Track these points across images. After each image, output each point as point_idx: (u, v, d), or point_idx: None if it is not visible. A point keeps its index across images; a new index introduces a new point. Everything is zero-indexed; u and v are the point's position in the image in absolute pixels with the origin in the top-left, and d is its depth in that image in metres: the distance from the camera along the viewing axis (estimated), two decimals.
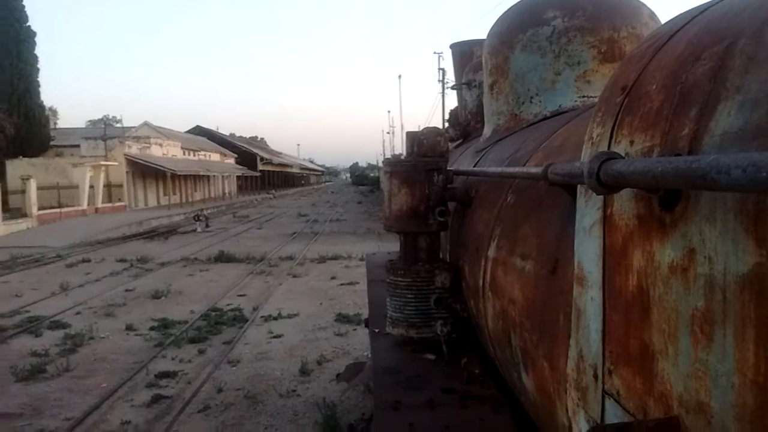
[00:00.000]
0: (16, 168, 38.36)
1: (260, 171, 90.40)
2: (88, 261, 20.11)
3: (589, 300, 1.47)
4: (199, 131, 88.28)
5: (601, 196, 1.40)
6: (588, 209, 1.52)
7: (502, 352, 2.49)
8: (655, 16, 3.21)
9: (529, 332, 2.04)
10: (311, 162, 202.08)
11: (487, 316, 2.68)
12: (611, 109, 1.49)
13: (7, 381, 8.30)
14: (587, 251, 1.50)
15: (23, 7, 45.08)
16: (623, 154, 1.28)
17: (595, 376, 1.42)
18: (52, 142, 48.30)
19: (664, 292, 1.12)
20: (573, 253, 1.60)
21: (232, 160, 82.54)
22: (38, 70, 46.37)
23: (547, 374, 1.83)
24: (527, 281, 2.10)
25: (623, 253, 1.29)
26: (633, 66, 1.51)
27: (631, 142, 1.32)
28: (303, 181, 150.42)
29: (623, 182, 1.12)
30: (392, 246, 6.99)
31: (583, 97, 3.13)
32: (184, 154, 61.82)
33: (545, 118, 3.25)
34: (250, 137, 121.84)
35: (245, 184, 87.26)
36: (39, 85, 46.39)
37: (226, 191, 74.33)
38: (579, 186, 1.59)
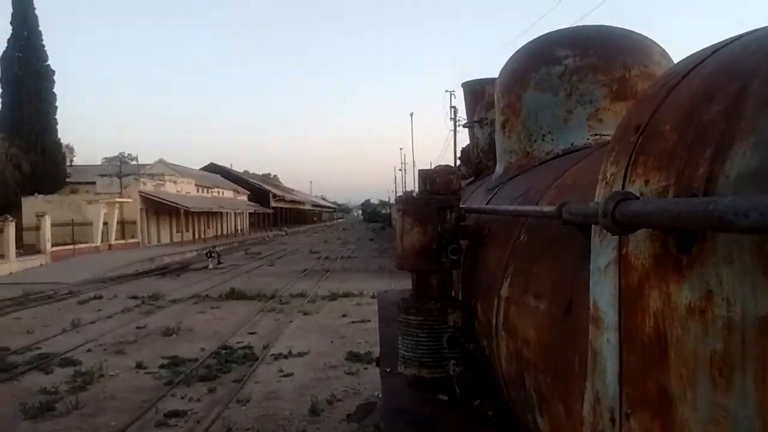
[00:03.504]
0: (31, 205, 38.82)
1: (273, 208, 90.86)
2: (100, 298, 20.16)
3: (605, 341, 1.44)
4: (213, 168, 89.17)
5: (616, 236, 1.39)
6: (603, 249, 1.50)
7: (516, 393, 2.45)
8: (667, 54, 3.22)
9: (543, 374, 2.00)
10: (323, 199, 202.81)
11: (501, 356, 2.64)
12: (625, 149, 1.48)
13: (17, 418, 8.27)
14: (602, 292, 1.48)
15: (43, 46, 46.16)
16: (638, 194, 1.27)
17: (612, 420, 1.38)
18: (67, 179, 48.95)
19: (681, 334, 1.10)
20: (588, 294, 1.58)
21: (245, 197, 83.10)
22: (56, 108, 47.34)
23: (562, 417, 1.79)
24: (541, 321, 2.07)
25: (639, 294, 1.27)
26: (647, 105, 1.51)
27: (646, 182, 1.31)
28: (315, 218, 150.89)
29: (639, 222, 1.10)
30: (404, 284, 6.96)
31: (596, 135, 3.13)
32: (197, 191, 62.37)
33: (557, 156, 3.25)
34: (263, 174, 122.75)
35: (258, 221, 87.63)
36: (56, 123, 47.28)
37: (239, 228, 74.63)
38: (593, 226, 1.58)
